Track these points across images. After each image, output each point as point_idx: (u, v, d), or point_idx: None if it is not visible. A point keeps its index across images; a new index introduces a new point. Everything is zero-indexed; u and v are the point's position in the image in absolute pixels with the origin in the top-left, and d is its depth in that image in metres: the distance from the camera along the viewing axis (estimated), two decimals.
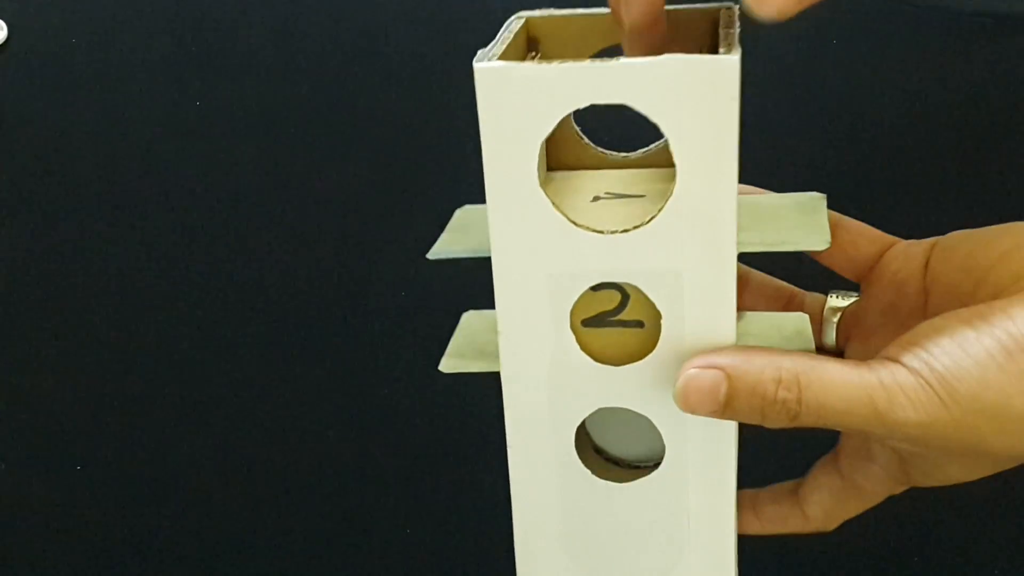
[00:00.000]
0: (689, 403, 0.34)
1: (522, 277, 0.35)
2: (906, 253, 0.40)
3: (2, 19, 0.68)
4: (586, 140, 0.41)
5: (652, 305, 0.35)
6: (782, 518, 0.40)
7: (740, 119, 0.33)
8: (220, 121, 0.66)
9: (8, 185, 0.65)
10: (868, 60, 0.67)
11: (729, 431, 0.36)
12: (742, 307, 0.42)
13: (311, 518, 0.57)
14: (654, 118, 0.33)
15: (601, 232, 0.34)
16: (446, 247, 0.39)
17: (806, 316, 0.39)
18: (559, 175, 0.41)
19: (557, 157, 0.41)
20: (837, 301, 0.42)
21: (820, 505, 0.40)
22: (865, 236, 0.41)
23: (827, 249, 0.39)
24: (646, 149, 0.41)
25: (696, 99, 0.32)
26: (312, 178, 0.64)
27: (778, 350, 0.34)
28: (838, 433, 0.41)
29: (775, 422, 0.33)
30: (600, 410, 0.37)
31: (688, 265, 0.34)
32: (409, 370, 0.60)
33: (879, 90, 0.66)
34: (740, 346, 0.34)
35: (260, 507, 0.57)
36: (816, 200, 0.40)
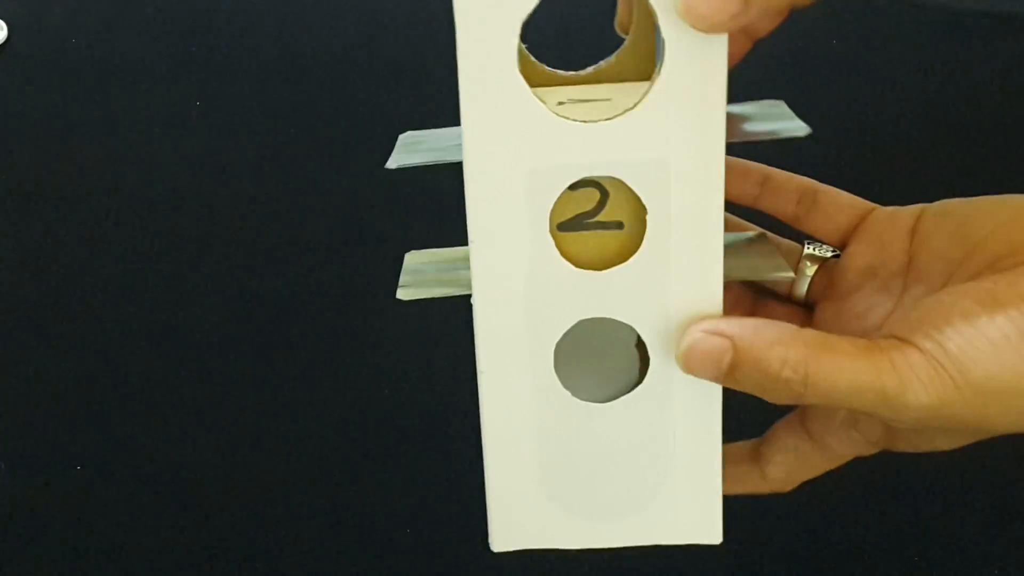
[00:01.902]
0: (691, 366, 0.33)
1: (499, 175, 0.33)
2: (892, 216, 0.39)
3: (2, 19, 0.68)
4: (533, 58, 0.38)
5: (633, 204, 0.34)
6: (739, 478, 0.39)
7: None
8: (220, 121, 0.66)
9: (8, 185, 0.65)
10: (868, 60, 0.67)
11: None
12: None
13: (311, 518, 0.57)
14: None
15: (584, 121, 0.32)
16: (404, 158, 0.36)
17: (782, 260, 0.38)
18: None
19: None
20: (814, 252, 0.41)
21: (782, 466, 0.39)
22: (844, 202, 0.40)
23: (803, 216, 0.40)
24: (596, 66, 0.39)
25: None
26: (312, 178, 0.64)
27: (790, 326, 0.33)
28: None
29: (777, 399, 0.33)
30: (564, 357, 0.35)
31: (675, 152, 0.32)
32: (409, 370, 0.60)
33: (879, 89, 0.66)
34: (752, 318, 0.33)
35: (260, 507, 0.57)
36: (778, 105, 0.38)
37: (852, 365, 0.32)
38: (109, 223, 0.64)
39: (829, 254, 0.41)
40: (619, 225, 0.34)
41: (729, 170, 0.40)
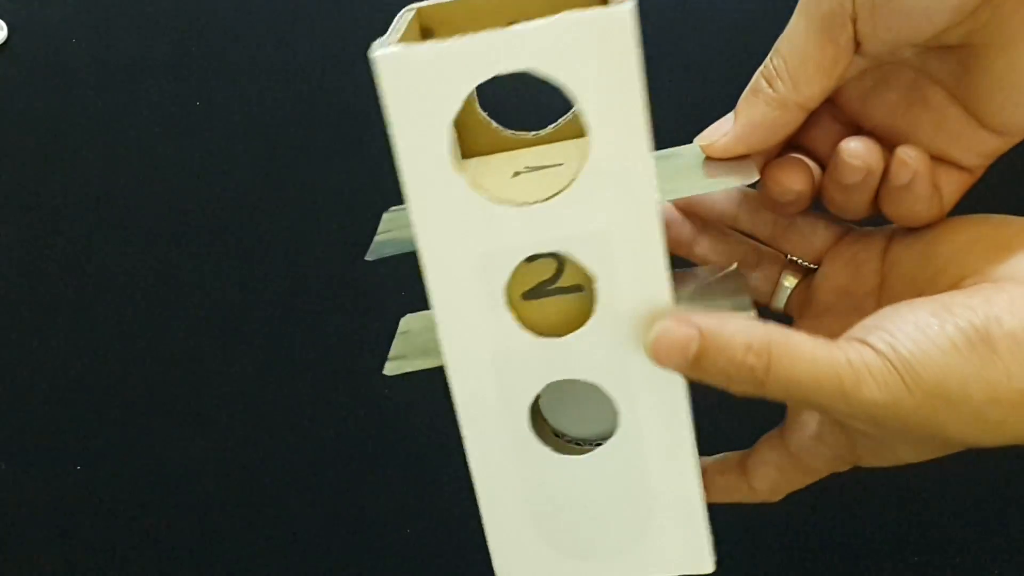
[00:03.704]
0: (659, 354, 0.34)
1: (450, 262, 0.35)
2: (865, 237, 0.40)
3: (2, 19, 0.68)
4: (495, 124, 0.40)
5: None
6: (728, 489, 0.41)
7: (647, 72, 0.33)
8: (220, 121, 0.66)
9: (8, 185, 0.65)
10: None
11: (679, 390, 0.36)
12: (701, 256, 0.42)
13: (311, 518, 0.57)
14: (557, 80, 0.32)
15: (522, 204, 0.34)
16: (379, 248, 0.39)
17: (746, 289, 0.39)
18: (474, 161, 0.40)
19: (469, 145, 0.41)
20: (794, 271, 0.42)
21: (766, 479, 0.41)
22: (820, 224, 0.41)
23: (778, 235, 0.41)
24: (555, 124, 0.40)
25: (595, 55, 0.32)
26: (312, 178, 0.64)
27: (755, 320, 0.34)
28: (784, 410, 0.41)
29: (740, 387, 0.34)
30: (553, 393, 0.37)
31: (613, 223, 0.34)
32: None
33: None
34: (718, 313, 0.34)
35: (260, 507, 0.57)
36: None
37: (812, 356, 0.33)
38: (109, 223, 0.64)
39: (808, 268, 0.42)
40: (579, 288, 0.36)
41: (710, 193, 0.41)
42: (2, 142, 0.66)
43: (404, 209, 0.37)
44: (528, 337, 0.35)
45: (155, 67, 0.67)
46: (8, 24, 0.68)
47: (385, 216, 0.41)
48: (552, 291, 0.36)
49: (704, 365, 0.34)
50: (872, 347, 0.33)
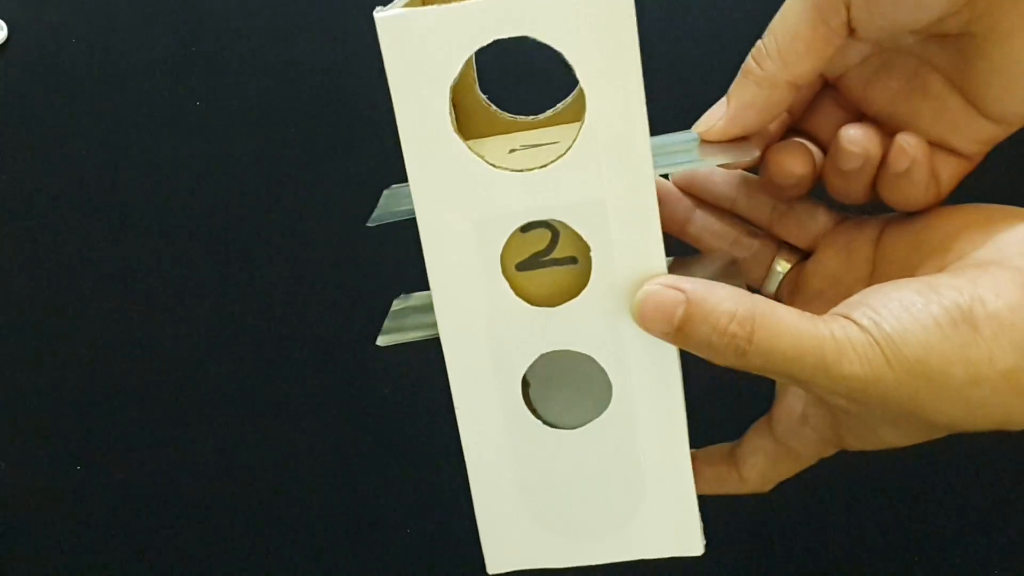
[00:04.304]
0: (644, 317, 0.34)
1: (447, 228, 0.35)
2: (860, 225, 0.41)
3: (2, 19, 0.68)
4: (494, 107, 0.41)
5: (582, 240, 0.35)
6: (719, 480, 0.41)
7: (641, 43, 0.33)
8: (220, 121, 0.66)
9: (8, 185, 0.65)
10: None
11: (672, 363, 0.36)
12: (694, 235, 0.42)
13: (311, 518, 0.57)
14: (556, 46, 0.33)
15: (519, 170, 0.34)
16: (382, 213, 0.39)
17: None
18: (472, 141, 0.41)
19: (468, 127, 0.41)
20: (788, 256, 0.42)
21: (756, 468, 0.41)
22: (816, 211, 0.42)
23: (777, 219, 0.41)
24: (553, 109, 0.41)
25: (593, 21, 0.32)
26: (312, 178, 0.64)
27: (742, 290, 0.34)
28: (772, 397, 0.41)
29: (722, 357, 0.34)
30: (542, 383, 0.37)
31: (609, 191, 0.34)
32: (409, 370, 0.60)
33: None
34: (705, 280, 0.34)
35: (260, 507, 0.57)
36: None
37: (795, 329, 0.33)
38: (109, 223, 0.64)
39: (799, 257, 0.42)
40: (573, 260, 0.37)
41: (709, 174, 0.41)
42: (2, 142, 0.66)
43: (404, 186, 0.37)
44: (523, 306, 0.36)
45: (155, 67, 0.67)
46: (8, 24, 0.68)
47: (385, 192, 0.41)
48: (546, 262, 0.36)
49: (688, 331, 0.34)
50: (856, 322, 0.33)
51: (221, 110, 0.66)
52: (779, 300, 0.42)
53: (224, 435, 0.59)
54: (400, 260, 0.62)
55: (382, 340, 0.39)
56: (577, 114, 0.39)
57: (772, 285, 0.42)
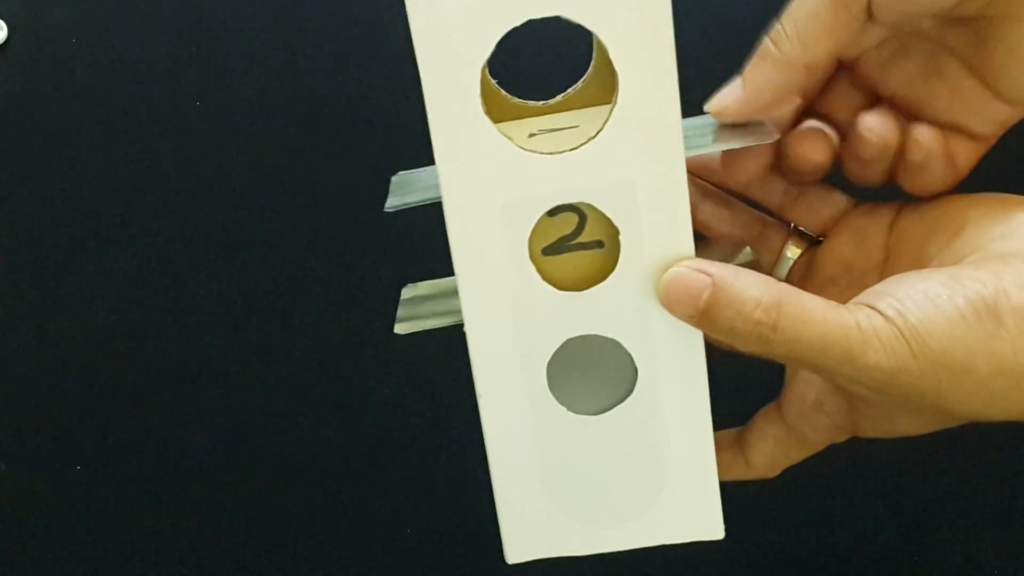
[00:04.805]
0: (670, 299, 0.34)
1: (474, 211, 0.34)
2: (873, 211, 0.41)
3: (2, 19, 0.68)
4: (504, 92, 0.40)
5: (609, 224, 0.35)
6: (725, 465, 0.40)
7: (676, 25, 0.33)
8: (220, 121, 0.66)
9: (8, 185, 0.65)
10: None
11: (697, 348, 0.36)
12: (702, 221, 0.42)
13: (311, 518, 0.57)
14: (590, 26, 0.33)
15: (550, 152, 0.34)
16: (399, 200, 0.38)
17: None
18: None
19: None
20: (799, 241, 0.42)
21: (763, 453, 0.41)
22: (829, 196, 0.42)
23: (791, 205, 0.41)
24: (563, 94, 0.40)
25: (628, 1, 0.32)
26: (312, 178, 0.64)
27: (769, 278, 0.34)
28: (782, 382, 0.41)
29: (746, 343, 0.34)
30: (561, 372, 0.36)
31: (640, 174, 0.34)
32: (409, 370, 0.60)
33: None
34: (733, 265, 0.34)
35: (260, 507, 0.57)
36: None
37: (821, 318, 0.33)
38: (109, 223, 0.64)
39: (809, 243, 0.42)
40: (600, 244, 0.36)
41: (721, 158, 0.41)
42: (2, 142, 0.66)
43: (411, 172, 0.37)
44: (549, 291, 0.35)
45: (155, 67, 0.67)
46: (8, 24, 0.68)
47: (394, 179, 0.41)
48: (573, 247, 0.36)
49: (713, 315, 0.34)
50: (881, 312, 0.33)
51: (221, 110, 0.66)
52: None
53: (224, 435, 0.59)
54: (401, 260, 0.62)
55: (400, 328, 0.38)
56: (590, 98, 0.38)
57: (782, 271, 0.42)
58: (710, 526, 0.38)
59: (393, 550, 0.56)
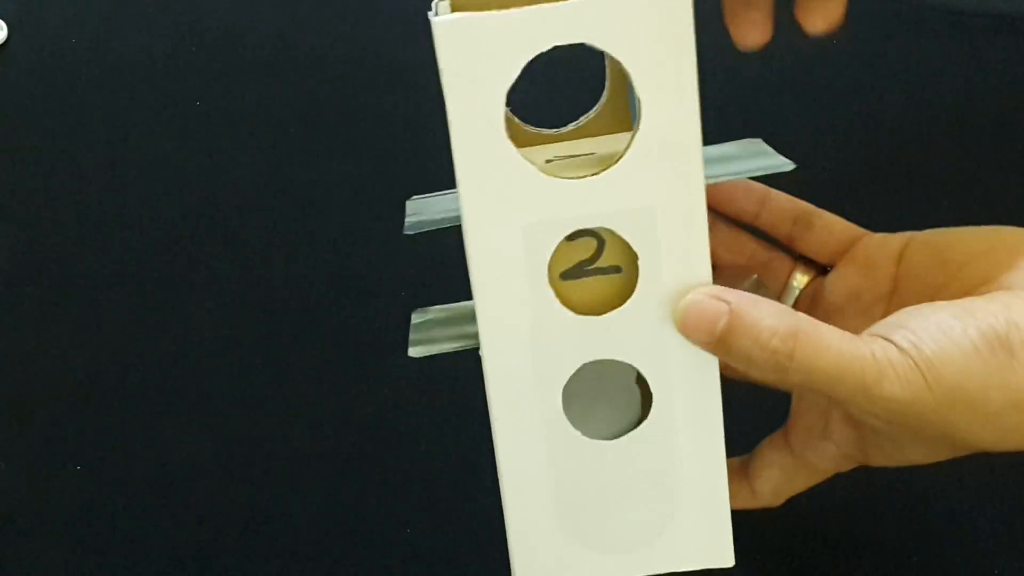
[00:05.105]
0: (687, 324, 0.35)
1: (495, 234, 0.35)
2: (882, 242, 0.41)
3: (2, 19, 0.68)
4: (517, 120, 0.41)
5: (628, 249, 0.35)
6: (731, 494, 0.41)
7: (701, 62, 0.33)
8: (220, 121, 0.66)
9: (8, 185, 0.65)
10: (868, 59, 0.67)
11: (712, 374, 0.36)
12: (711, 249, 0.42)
13: (311, 518, 0.57)
14: (614, 53, 0.33)
15: (572, 177, 0.34)
16: (419, 220, 0.38)
17: None
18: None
19: None
20: (806, 269, 0.42)
21: (769, 482, 0.41)
22: (837, 227, 0.42)
23: (804, 236, 0.41)
24: (576, 123, 0.41)
25: (652, 28, 0.33)
26: (312, 178, 0.64)
27: (786, 307, 0.34)
28: (786, 410, 0.41)
29: (762, 371, 0.34)
30: (566, 398, 0.37)
31: (660, 199, 0.34)
32: (409, 370, 0.60)
33: (879, 90, 0.66)
34: (750, 293, 0.35)
35: (260, 507, 0.57)
36: (757, 143, 0.40)
37: (837, 348, 0.33)
38: (109, 223, 0.64)
39: (814, 274, 0.42)
40: (617, 269, 0.36)
41: (733, 188, 0.41)
42: (2, 142, 0.66)
43: (426, 197, 0.37)
44: (568, 315, 0.35)
45: (155, 67, 0.67)
46: (8, 24, 0.68)
47: (409, 203, 0.41)
48: (591, 271, 0.36)
49: (730, 343, 0.34)
50: (896, 344, 0.33)
51: (221, 110, 0.66)
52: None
53: (224, 435, 0.58)
54: (401, 260, 0.62)
55: (416, 351, 0.39)
56: (603, 127, 0.39)
57: (789, 300, 0.42)
58: (720, 552, 0.38)
59: (393, 550, 0.56)
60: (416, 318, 0.41)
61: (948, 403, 0.32)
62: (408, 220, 0.39)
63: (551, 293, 0.35)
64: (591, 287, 0.36)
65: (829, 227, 0.42)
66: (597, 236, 0.36)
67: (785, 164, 0.37)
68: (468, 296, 0.37)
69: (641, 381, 0.37)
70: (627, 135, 0.35)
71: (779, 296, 0.43)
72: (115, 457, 0.58)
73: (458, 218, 0.35)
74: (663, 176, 0.34)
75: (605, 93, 0.40)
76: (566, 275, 0.36)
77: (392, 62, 0.65)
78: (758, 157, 0.38)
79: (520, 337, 0.36)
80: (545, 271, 0.35)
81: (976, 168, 0.63)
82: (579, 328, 0.36)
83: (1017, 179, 0.62)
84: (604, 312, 0.35)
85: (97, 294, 0.62)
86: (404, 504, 0.57)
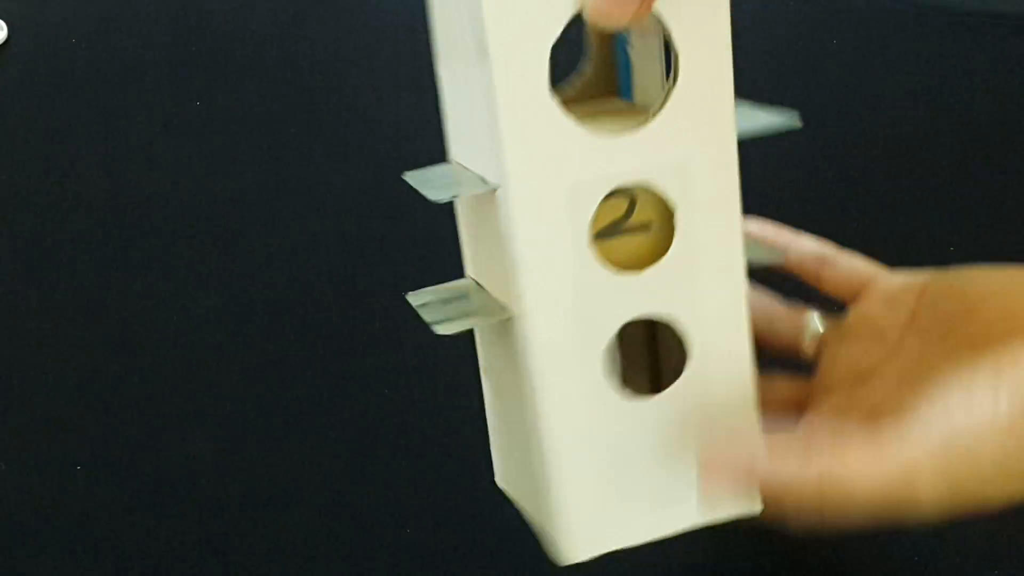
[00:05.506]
0: (710, 472, 0.36)
1: (541, 194, 0.34)
2: (905, 278, 0.42)
3: (2, 19, 0.68)
4: None
5: (657, 205, 0.35)
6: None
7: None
8: (220, 121, 0.66)
9: (8, 185, 0.65)
10: (868, 60, 0.67)
11: (742, 324, 0.37)
12: None
13: (311, 518, 0.57)
14: (653, 9, 0.33)
15: (615, 132, 0.34)
16: (444, 193, 0.37)
17: None
18: None
19: None
20: (818, 324, 0.43)
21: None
22: (860, 266, 0.43)
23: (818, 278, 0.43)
24: (570, 85, 0.40)
25: None
26: (312, 178, 0.64)
27: (805, 445, 0.35)
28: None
29: (799, 526, 0.35)
30: None
31: (697, 152, 0.35)
32: (409, 370, 0.60)
33: (879, 90, 0.66)
34: (767, 442, 0.36)
35: (260, 507, 0.57)
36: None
37: (865, 480, 0.34)
38: (109, 222, 0.64)
39: (827, 326, 0.43)
40: (646, 227, 0.36)
41: (762, 232, 0.42)
42: (2, 142, 0.66)
43: (433, 168, 0.37)
44: (608, 274, 0.35)
45: (155, 67, 0.67)
46: (8, 24, 0.68)
47: (410, 176, 0.40)
48: (624, 230, 0.36)
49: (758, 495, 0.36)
50: (925, 449, 0.34)
51: (221, 110, 0.66)
52: (818, 351, 0.43)
53: (224, 435, 0.59)
54: (401, 259, 0.62)
55: (444, 328, 0.37)
56: (586, 94, 0.39)
57: (809, 338, 0.43)
58: (749, 500, 0.38)
59: (393, 550, 0.56)
60: (416, 300, 0.40)
61: (982, 486, 0.34)
62: (430, 191, 0.37)
63: (592, 253, 0.35)
64: (624, 246, 0.36)
65: (852, 266, 0.43)
66: (629, 194, 0.36)
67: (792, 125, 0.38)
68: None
69: (620, 339, 0.37)
70: (611, 101, 0.35)
71: (800, 334, 0.43)
72: (115, 457, 0.58)
73: (493, 183, 0.35)
74: (699, 128, 0.34)
75: (590, 59, 0.40)
76: (600, 234, 0.36)
77: (392, 62, 0.65)
78: (773, 112, 0.38)
79: (563, 298, 0.35)
80: (587, 230, 0.35)
81: (976, 168, 0.63)
82: (620, 286, 0.35)
83: (1017, 179, 0.62)
84: (632, 270, 0.35)
85: (97, 293, 0.62)
86: (404, 504, 0.57)
